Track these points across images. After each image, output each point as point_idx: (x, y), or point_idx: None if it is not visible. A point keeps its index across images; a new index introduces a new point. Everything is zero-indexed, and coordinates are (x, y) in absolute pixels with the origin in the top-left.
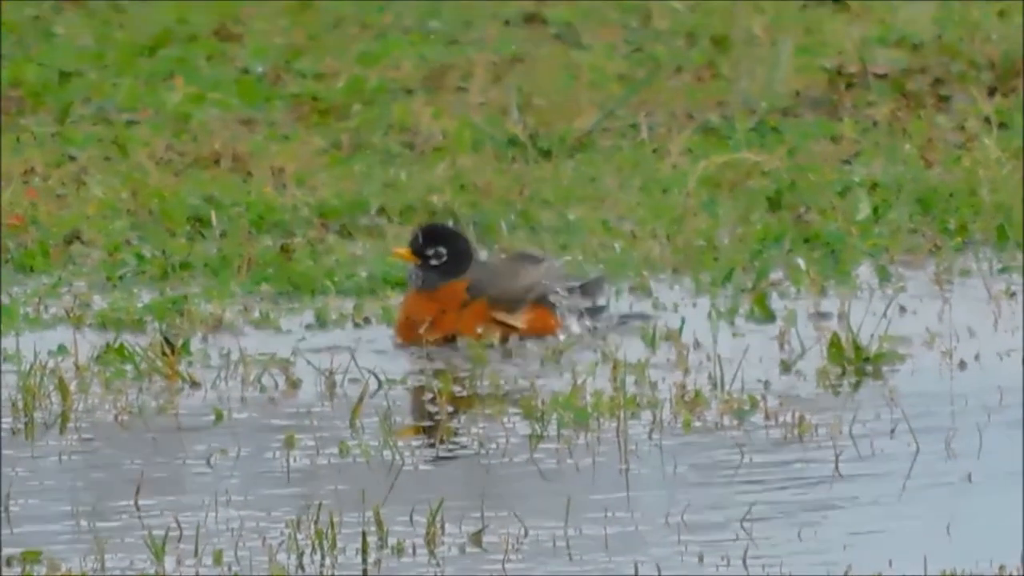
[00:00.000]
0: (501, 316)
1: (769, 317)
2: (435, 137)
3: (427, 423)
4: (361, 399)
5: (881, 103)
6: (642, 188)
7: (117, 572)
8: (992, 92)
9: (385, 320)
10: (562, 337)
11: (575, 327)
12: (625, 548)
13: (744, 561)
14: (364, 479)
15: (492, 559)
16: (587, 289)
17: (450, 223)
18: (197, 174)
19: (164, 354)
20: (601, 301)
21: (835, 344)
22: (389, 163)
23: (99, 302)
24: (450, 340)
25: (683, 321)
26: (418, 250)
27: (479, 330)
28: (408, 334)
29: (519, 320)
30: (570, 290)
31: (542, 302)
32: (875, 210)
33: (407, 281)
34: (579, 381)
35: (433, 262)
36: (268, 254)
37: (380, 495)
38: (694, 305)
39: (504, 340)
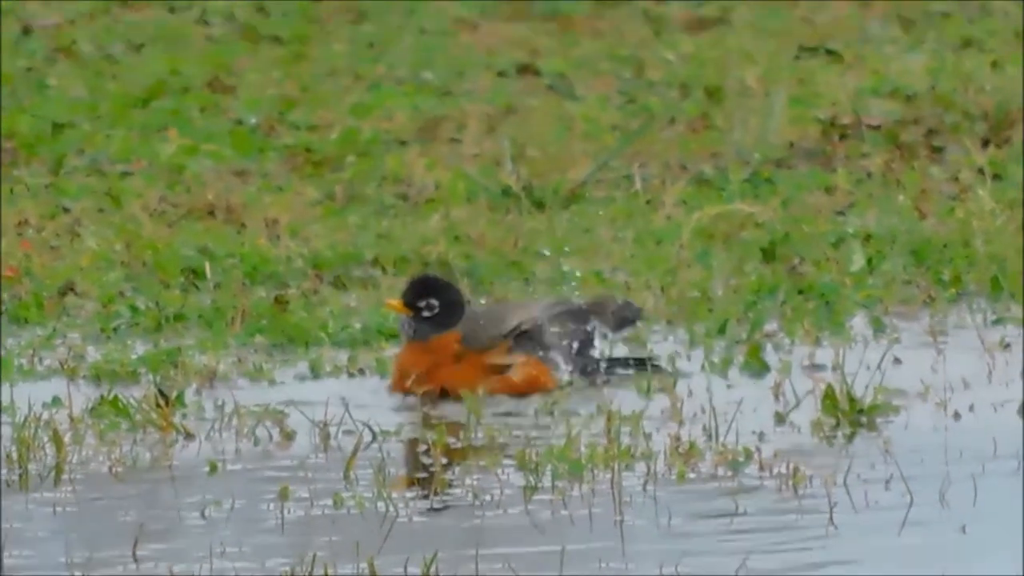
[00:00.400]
0: (494, 360)
1: (763, 368)
2: (429, 188)
3: (421, 474)
4: (355, 451)
5: (875, 154)
6: (636, 239)
7: None
8: (986, 143)
9: (379, 371)
10: (557, 389)
11: (566, 375)
12: None
13: None
14: (359, 531)
15: None
16: (601, 310)
17: (441, 274)
18: (191, 225)
19: (158, 406)
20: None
21: (829, 396)
22: (383, 214)
23: (93, 354)
24: (444, 393)
25: (677, 372)
26: (410, 302)
27: (473, 384)
28: (403, 385)
29: (515, 371)
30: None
31: (534, 351)
32: (869, 261)
33: (400, 332)
34: (573, 432)
35: (425, 313)
36: (262, 306)
37: (375, 547)
38: (689, 356)
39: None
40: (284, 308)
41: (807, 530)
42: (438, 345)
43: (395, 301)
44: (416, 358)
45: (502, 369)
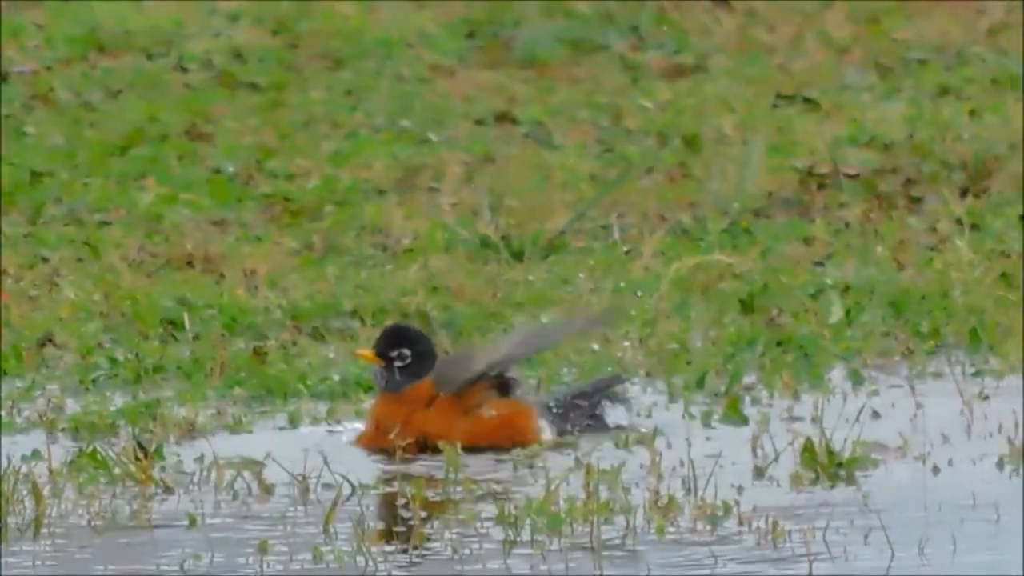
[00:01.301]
0: (468, 405)
1: (742, 421)
2: (407, 238)
3: (401, 528)
4: (335, 504)
5: (853, 204)
6: (614, 290)
7: None
8: (964, 193)
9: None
10: (540, 441)
11: (548, 434)
12: None
13: None
14: None
15: None
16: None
17: (413, 324)
18: (169, 276)
19: (137, 459)
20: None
21: (808, 449)
22: (361, 264)
23: (72, 406)
24: (422, 447)
25: (656, 426)
26: (382, 351)
27: (450, 428)
28: (379, 440)
29: (494, 415)
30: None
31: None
32: (848, 313)
33: (373, 383)
34: (552, 486)
35: (397, 363)
36: (241, 357)
37: None
38: (667, 409)
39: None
40: (263, 360)
41: None
42: (413, 396)
43: (367, 351)
44: (391, 410)
45: (480, 412)
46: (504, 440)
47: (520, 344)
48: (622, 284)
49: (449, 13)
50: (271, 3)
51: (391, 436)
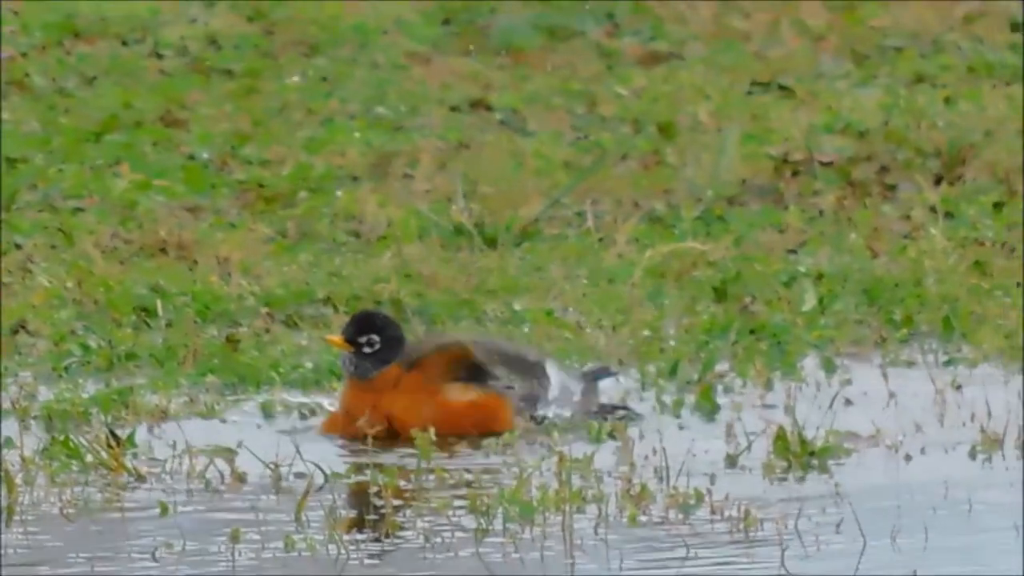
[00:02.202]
0: (432, 376)
1: (715, 409)
2: (381, 225)
3: (373, 517)
4: (307, 493)
5: (827, 191)
6: (588, 278)
7: None
8: (939, 181)
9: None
10: (513, 429)
11: (520, 423)
12: None
13: None
14: (309, 573)
15: None
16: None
17: (382, 310)
18: (143, 263)
19: (109, 446)
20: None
21: (781, 437)
22: (335, 252)
23: (45, 393)
24: (392, 432)
25: (629, 414)
26: (351, 337)
27: (420, 408)
28: (348, 426)
29: (461, 394)
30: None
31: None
32: (821, 301)
33: (341, 370)
34: (525, 475)
35: (366, 349)
36: (214, 345)
37: None
38: (640, 398)
39: (448, 432)
40: (235, 347)
41: (758, 573)
42: (382, 381)
43: (336, 337)
44: (360, 396)
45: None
46: (475, 426)
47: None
48: (595, 272)
49: (425, 0)
50: None
51: (360, 422)
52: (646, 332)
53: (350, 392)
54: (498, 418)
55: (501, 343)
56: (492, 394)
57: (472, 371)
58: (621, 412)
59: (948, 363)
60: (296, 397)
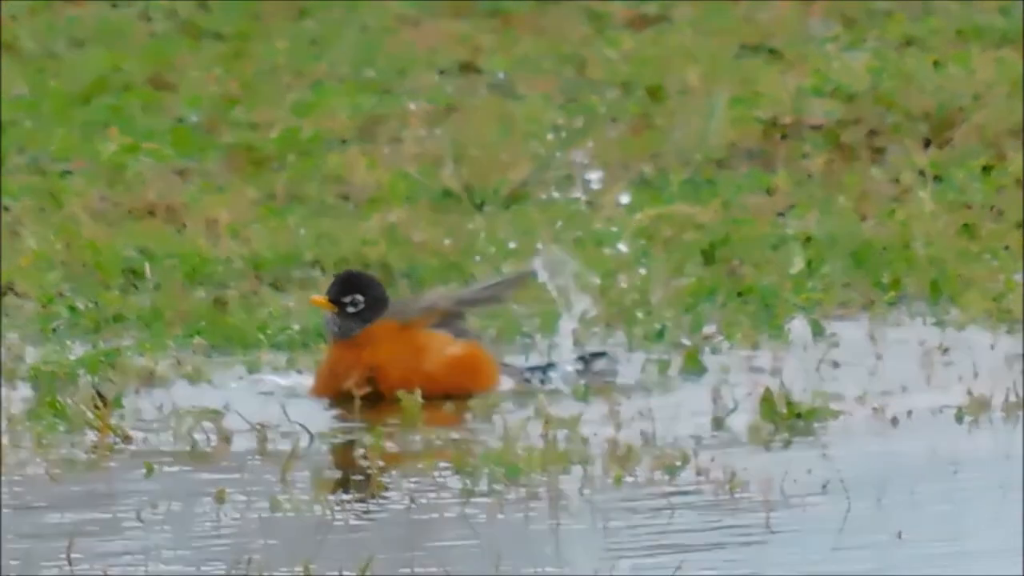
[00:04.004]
0: (417, 334)
1: (702, 371)
2: (369, 188)
3: (358, 477)
4: (293, 454)
5: (816, 155)
6: (576, 241)
7: None
8: (927, 144)
9: None
10: (498, 386)
11: (507, 383)
12: None
13: None
14: (295, 534)
15: None
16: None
17: (367, 271)
18: (131, 225)
19: (96, 408)
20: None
21: (767, 399)
22: (323, 214)
23: (32, 354)
24: (377, 390)
25: (616, 375)
26: (335, 298)
27: (406, 361)
28: (334, 386)
29: (445, 347)
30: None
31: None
32: (809, 264)
33: (325, 331)
34: (510, 436)
35: (350, 309)
36: (201, 307)
37: (311, 550)
38: (627, 359)
39: (432, 387)
40: (223, 309)
41: (744, 534)
42: (365, 339)
43: (320, 297)
44: (344, 355)
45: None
46: (459, 379)
47: (459, 298)
48: (583, 235)
49: None
50: None
51: (345, 381)
52: (634, 295)
53: (334, 351)
54: (482, 370)
55: (482, 282)
56: (475, 345)
57: (455, 328)
58: (602, 361)
59: (936, 326)
60: (282, 360)
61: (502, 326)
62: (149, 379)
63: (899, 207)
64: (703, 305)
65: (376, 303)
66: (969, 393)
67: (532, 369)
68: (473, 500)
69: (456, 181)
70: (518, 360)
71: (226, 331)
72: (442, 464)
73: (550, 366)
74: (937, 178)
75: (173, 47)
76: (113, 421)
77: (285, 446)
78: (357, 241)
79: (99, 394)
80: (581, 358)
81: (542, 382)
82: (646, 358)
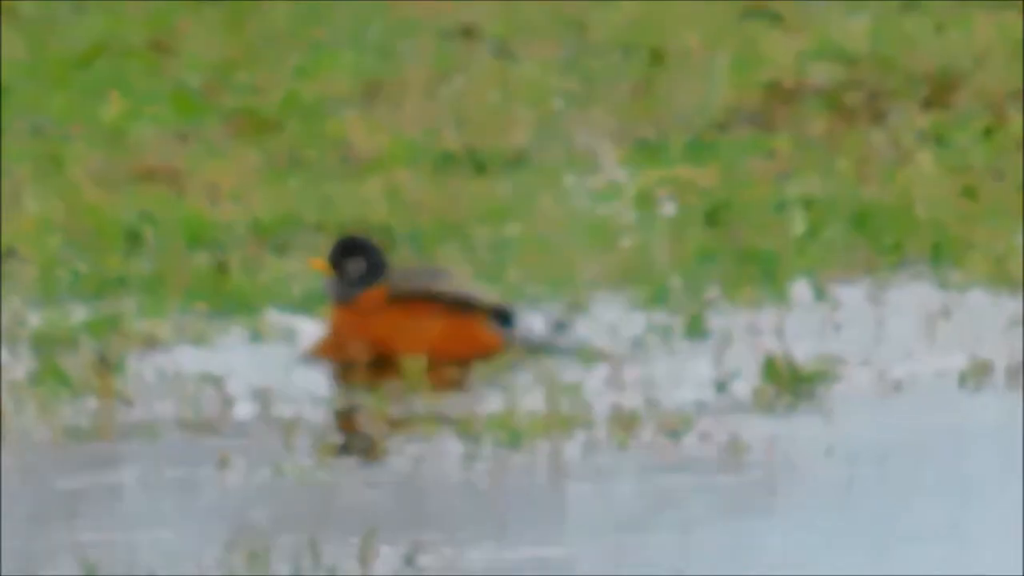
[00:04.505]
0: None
1: (704, 335)
2: (370, 152)
3: (361, 442)
4: (296, 418)
5: (817, 118)
6: (577, 205)
7: None
8: (928, 107)
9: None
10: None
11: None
12: (559, 569)
13: None
14: (298, 499)
15: None
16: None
17: (367, 234)
18: (132, 189)
19: (99, 372)
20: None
21: (770, 363)
22: (325, 178)
23: (34, 319)
24: (379, 355)
25: (617, 340)
26: (335, 262)
27: (407, 330)
28: (335, 350)
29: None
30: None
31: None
32: (810, 227)
33: (325, 294)
34: (513, 400)
35: (350, 273)
36: (203, 271)
37: (314, 515)
38: (630, 322)
39: (433, 351)
40: (225, 273)
41: (748, 498)
42: (366, 303)
43: (319, 261)
44: (345, 319)
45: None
46: (460, 345)
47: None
48: (585, 198)
49: None
50: None
51: (346, 346)
52: (635, 258)
53: (335, 315)
54: (483, 336)
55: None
56: (476, 313)
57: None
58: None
59: (937, 289)
60: (286, 322)
61: (505, 289)
62: (151, 343)
63: (900, 170)
64: (705, 268)
65: (375, 267)
66: (972, 356)
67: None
68: (477, 465)
69: (457, 144)
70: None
71: (228, 295)
72: (445, 429)
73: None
74: (938, 141)
75: (174, 11)
76: (116, 386)
77: (288, 411)
78: (358, 204)
79: (102, 358)
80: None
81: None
82: (648, 321)
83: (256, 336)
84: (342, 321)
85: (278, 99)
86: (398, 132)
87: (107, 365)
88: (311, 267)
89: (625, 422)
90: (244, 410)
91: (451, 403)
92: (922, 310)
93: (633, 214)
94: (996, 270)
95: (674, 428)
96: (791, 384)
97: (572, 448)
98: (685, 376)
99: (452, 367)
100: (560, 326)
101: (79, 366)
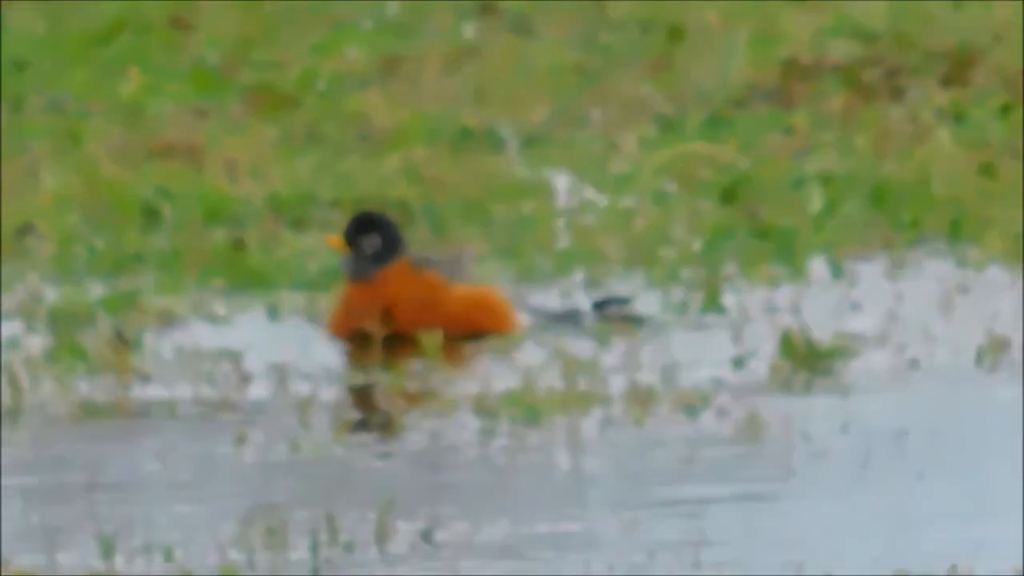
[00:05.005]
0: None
1: (721, 312)
2: (388, 129)
3: (378, 419)
4: (312, 394)
5: (835, 94)
6: (595, 181)
7: (68, 568)
8: (947, 83)
9: None
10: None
11: (524, 322)
12: (576, 545)
13: (696, 558)
14: (315, 475)
15: (443, 556)
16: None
17: (382, 211)
18: (150, 165)
19: (116, 348)
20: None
21: (787, 339)
22: (342, 155)
23: (52, 295)
24: (393, 331)
25: (635, 315)
26: (350, 238)
27: (428, 305)
28: (350, 326)
29: (474, 297)
30: None
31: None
32: (828, 203)
33: (341, 271)
34: (530, 377)
35: (366, 250)
36: (220, 247)
37: (331, 491)
38: (647, 299)
39: (449, 328)
40: (242, 249)
41: (764, 475)
42: (383, 279)
43: (335, 238)
44: (361, 295)
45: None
46: (476, 320)
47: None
48: (603, 175)
49: None
50: None
51: (362, 322)
52: (653, 235)
53: (350, 291)
54: (499, 311)
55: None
56: (493, 290)
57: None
58: (622, 307)
59: (955, 265)
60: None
61: (520, 268)
62: (168, 320)
63: (918, 146)
64: (722, 245)
65: (391, 243)
66: (988, 332)
67: (554, 314)
68: (493, 441)
69: (475, 121)
70: (542, 300)
71: (245, 271)
72: (462, 405)
73: (572, 312)
74: (956, 117)
75: None
76: (133, 362)
77: (305, 387)
78: (376, 181)
79: (119, 335)
80: (601, 303)
81: (564, 325)
82: (665, 299)
83: (273, 312)
84: (358, 297)
85: (296, 75)
86: (416, 108)
87: (124, 341)
88: (327, 244)
89: (642, 399)
90: (261, 386)
91: (468, 379)
92: (939, 287)
93: (650, 191)
94: (1013, 247)
95: (691, 405)
96: (808, 361)
97: (589, 424)
98: (702, 353)
99: (468, 342)
100: (612, 303)
101: (96, 342)
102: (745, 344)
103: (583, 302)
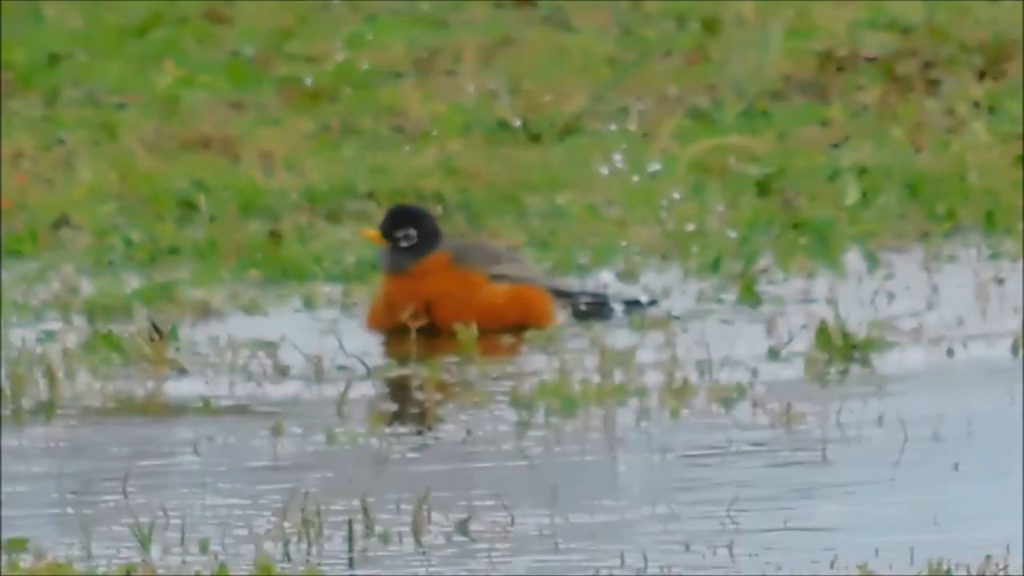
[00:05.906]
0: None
1: (757, 303)
2: (424, 121)
3: (414, 410)
4: (349, 386)
5: (870, 87)
6: (631, 173)
7: (103, 560)
8: (982, 76)
9: None
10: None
11: (561, 317)
12: (611, 536)
13: (730, 549)
14: (351, 467)
15: (478, 548)
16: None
17: (419, 204)
18: (186, 158)
19: (152, 340)
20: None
21: (823, 331)
22: (378, 147)
23: (87, 287)
24: (431, 323)
25: (671, 307)
26: (387, 231)
27: (465, 300)
28: (389, 318)
29: (511, 290)
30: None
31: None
32: (864, 195)
33: (378, 263)
34: (566, 369)
35: (403, 243)
36: (256, 239)
37: (367, 483)
38: (682, 291)
39: (488, 321)
40: (278, 241)
41: (800, 466)
42: (420, 271)
43: (372, 231)
44: (398, 287)
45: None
46: (514, 314)
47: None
48: (638, 167)
49: None
50: None
51: (399, 314)
52: (689, 226)
53: (388, 284)
54: (536, 306)
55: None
56: (532, 284)
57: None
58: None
59: (991, 257)
60: (338, 292)
61: (558, 258)
62: (204, 312)
63: (954, 138)
64: (758, 237)
65: (428, 236)
66: None
67: (585, 298)
68: (529, 433)
69: (511, 113)
70: (573, 284)
71: (281, 263)
72: (498, 397)
73: (602, 303)
74: (991, 109)
75: None
76: (169, 354)
77: (341, 378)
78: (411, 173)
79: (155, 326)
80: (631, 303)
81: (592, 314)
82: (701, 290)
83: (309, 304)
84: (395, 290)
85: (332, 68)
86: (452, 101)
87: (160, 333)
88: (363, 237)
89: (678, 391)
90: (297, 377)
91: (504, 371)
92: (975, 278)
93: (686, 183)
94: None
95: (727, 396)
96: (844, 352)
97: (625, 416)
98: (738, 345)
99: (504, 334)
100: (639, 305)
101: (132, 334)
102: (781, 336)
103: (615, 300)
